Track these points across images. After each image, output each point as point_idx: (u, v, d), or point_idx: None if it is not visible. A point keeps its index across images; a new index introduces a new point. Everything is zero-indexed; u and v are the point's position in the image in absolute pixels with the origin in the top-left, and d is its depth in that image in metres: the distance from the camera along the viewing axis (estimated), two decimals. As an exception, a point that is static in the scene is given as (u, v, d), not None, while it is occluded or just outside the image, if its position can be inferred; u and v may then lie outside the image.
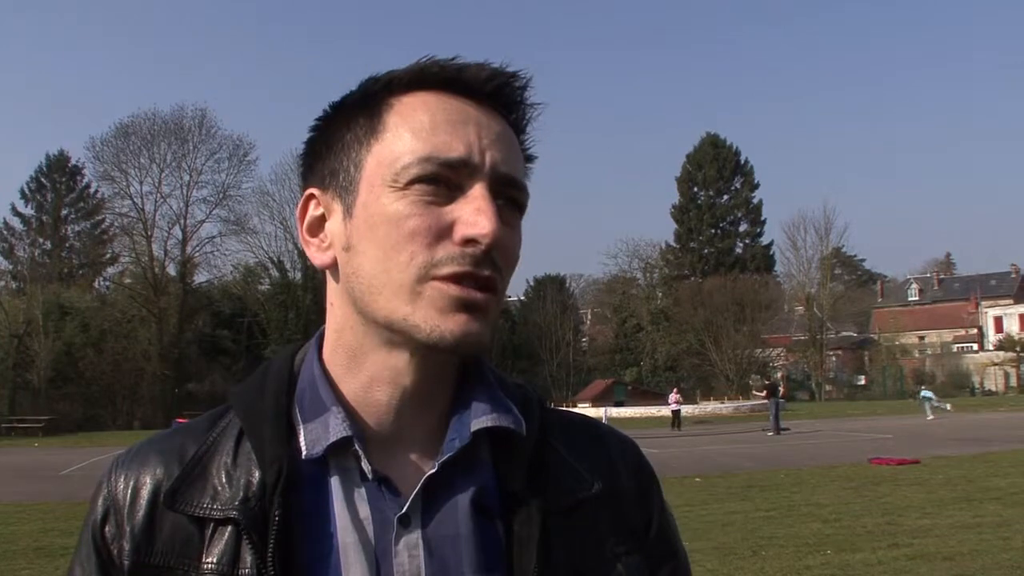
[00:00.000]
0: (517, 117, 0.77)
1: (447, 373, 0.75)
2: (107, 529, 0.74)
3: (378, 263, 0.70)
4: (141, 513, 0.73)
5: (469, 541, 0.70)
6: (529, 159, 0.79)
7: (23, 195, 51.93)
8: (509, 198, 0.73)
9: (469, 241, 0.68)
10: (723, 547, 7.66)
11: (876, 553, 7.17)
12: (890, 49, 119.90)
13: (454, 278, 0.68)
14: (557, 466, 0.77)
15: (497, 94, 0.74)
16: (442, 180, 0.69)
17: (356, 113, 0.74)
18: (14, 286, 47.09)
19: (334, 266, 0.75)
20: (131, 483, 0.75)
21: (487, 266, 0.69)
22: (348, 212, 0.73)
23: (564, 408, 0.88)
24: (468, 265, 0.68)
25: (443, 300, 0.68)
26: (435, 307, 0.68)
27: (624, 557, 0.76)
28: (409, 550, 0.69)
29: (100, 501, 0.76)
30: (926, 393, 29.57)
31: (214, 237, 45.55)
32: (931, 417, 27.55)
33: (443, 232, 0.69)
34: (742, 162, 59.56)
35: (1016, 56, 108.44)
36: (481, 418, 0.73)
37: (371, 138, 0.72)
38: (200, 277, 46.95)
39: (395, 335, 0.71)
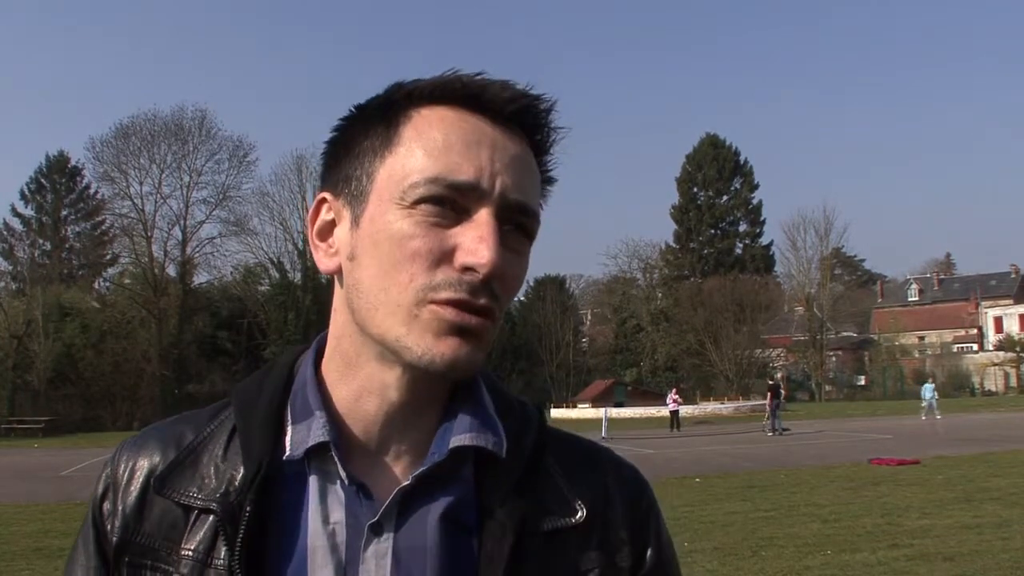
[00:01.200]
0: (540, 139, 0.76)
1: (438, 390, 0.75)
2: (105, 506, 0.77)
3: (377, 280, 0.70)
4: (134, 494, 0.76)
5: (436, 555, 0.70)
6: (548, 181, 0.78)
7: (23, 196, 52.00)
8: (518, 224, 0.72)
9: (468, 269, 0.68)
10: (723, 547, 7.66)
11: (876, 553, 7.17)
12: (890, 49, 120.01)
13: (449, 303, 0.68)
14: (544, 488, 0.76)
15: (519, 115, 0.73)
16: (449, 202, 0.68)
17: (376, 120, 0.74)
18: (14, 287, 47.12)
19: (339, 273, 0.75)
20: (130, 465, 0.78)
21: (484, 295, 0.68)
22: (356, 222, 0.72)
23: (566, 431, 0.86)
24: (464, 292, 0.68)
25: (437, 323, 0.68)
26: (429, 330, 0.68)
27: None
28: (377, 559, 0.69)
29: (102, 479, 0.79)
30: (927, 393, 29.53)
31: (214, 238, 45.62)
32: (929, 417, 27.62)
33: (444, 256, 0.68)
34: (741, 162, 59.64)
35: (1016, 56, 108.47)
36: (461, 435, 0.73)
37: (385, 150, 0.72)
38: (200, 278, 47.03)
39: (388, 352, 0.71)
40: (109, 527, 0.76)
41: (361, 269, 0.71)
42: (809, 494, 11.05)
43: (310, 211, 0.78)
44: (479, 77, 0.73)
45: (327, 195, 0.76)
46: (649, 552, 0.80)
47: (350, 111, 0.77)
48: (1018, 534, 7.73)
